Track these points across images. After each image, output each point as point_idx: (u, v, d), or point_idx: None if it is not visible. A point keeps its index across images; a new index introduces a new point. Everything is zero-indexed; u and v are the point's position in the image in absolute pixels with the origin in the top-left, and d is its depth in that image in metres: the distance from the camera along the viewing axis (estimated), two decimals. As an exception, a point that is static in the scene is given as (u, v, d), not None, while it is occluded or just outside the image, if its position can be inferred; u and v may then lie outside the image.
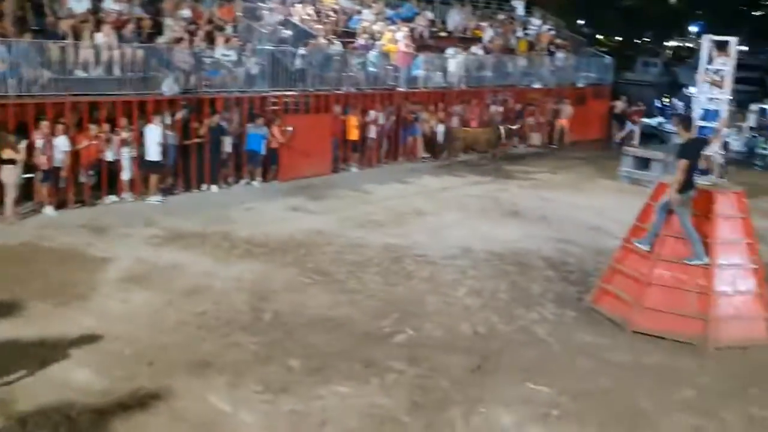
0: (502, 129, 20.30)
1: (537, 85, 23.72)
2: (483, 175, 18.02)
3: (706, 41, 9.30)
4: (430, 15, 23.52)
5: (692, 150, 8.85)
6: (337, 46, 18.16)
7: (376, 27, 20.22)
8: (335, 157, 17.33)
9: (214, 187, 14.84)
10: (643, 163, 18.22)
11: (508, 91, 22.64)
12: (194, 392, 6.75)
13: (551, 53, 25.53)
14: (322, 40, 17.87)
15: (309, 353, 7.64)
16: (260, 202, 14.08)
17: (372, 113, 17.87)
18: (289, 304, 8.96)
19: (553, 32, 27.23)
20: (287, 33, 17.83)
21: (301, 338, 8.01)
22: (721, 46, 9.48)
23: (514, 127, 21.40)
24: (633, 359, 7.88)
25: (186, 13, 15.97)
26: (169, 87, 14.03)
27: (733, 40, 9.17)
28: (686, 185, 8.63)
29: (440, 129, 19.68)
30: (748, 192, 9.52)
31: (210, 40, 15.50)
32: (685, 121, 9.63)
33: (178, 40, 14.55)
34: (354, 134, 17.42)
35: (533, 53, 24.70)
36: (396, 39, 19.47)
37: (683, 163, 8.52)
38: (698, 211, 8.78)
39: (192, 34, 15.29)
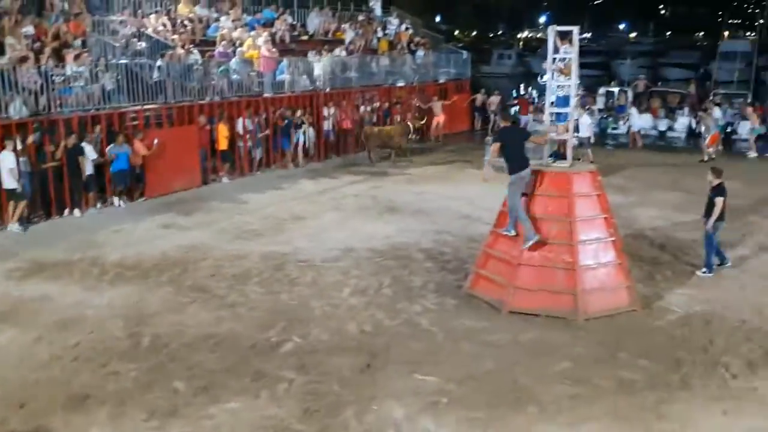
0: (410, 125, 21.09)
1: (401, 83, 24.24)
2: (358, 175, 18.19)
3: (552, 31, 9.79)
4: (289, 19, 23.44)
5: (507, 135, 9.78)
6: (196, 56, 17.70)
7: (235, 34, 19.90)
8: (204, 169, 16.91)
9: (77, 212, 14.06)
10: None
11: (374, 90, 22.98)
12: (75, 428, 6.40)
13: (412, 51, 26.17)
14: (179, 51, 17.36)
15: (194, 373, 7.43)
16: (129, 223, 13.50)
17: (242, 121, 17.53)
18: (168, 326, 8.66)
19: (411, 31, 27.91)
20: (142, 45, 17.20)
21: (184, 359, 7.78)
22: (565, 36, 10.05)
23: (422, 122, 22.73)
24: (511, 338, 8.25)
25: (29, 30, 15.00)
26: (16, 110, 13.14)
27: (575, 29, 9.72)
28: (515, 167, 9.31)
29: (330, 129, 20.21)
30: (601, 170, 10.24)
31: (59, 57, 14.65)
32: (504, 111, 10.65)
33: (23, 60, 13.65)
34: (224, 144, 17.05)
35: (395, 52, 25.21)
36: (257, 45, 19.25)
37: (495, 145, 9.71)
38: (558, 192, 9.32)
39: (38, 52, 14.41)
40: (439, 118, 24.19)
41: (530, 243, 9.09)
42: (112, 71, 15.23)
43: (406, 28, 27.79)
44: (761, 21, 55.65)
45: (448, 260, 11.19)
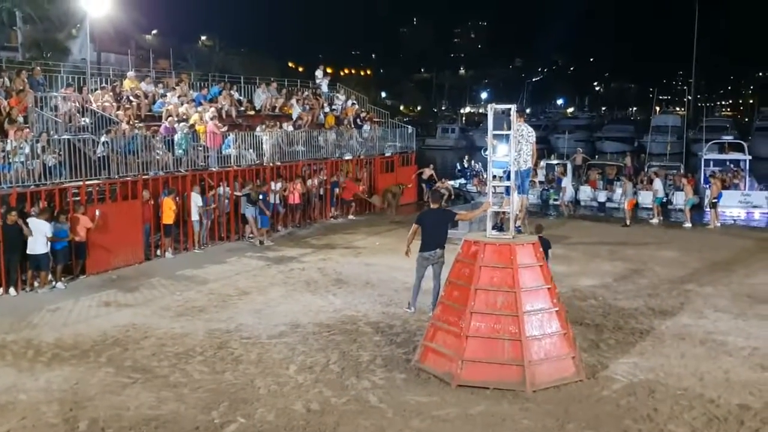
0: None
1: (348, 157, 24.58)
2: (305, 248, 18.13)
3: (491, 109, 10.15)
4: (236, 94, 23.73)
5: (426, 218, 11.12)
6: (141, 131, 17.65)
7: (181, 109, 19.98)
8: (148, 244, 16.62)
9: (12, 291, 13.55)
10: (452, 223, 19.33)
11: (321, 163, 23.23)
12: None
13: (358, 126, 26.70)
14: (124, 126, 17.30)
15: (133, 460, 7.10)
16: (67, 301, 13.05)
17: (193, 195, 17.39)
18: (106, 409, 8.30)
19: (357, 106, 28.55)
20: (86, 121, 17.08)
21: (123, 444, 7.44)
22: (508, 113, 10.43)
23: (408, 185, 25.45)
24: (461, 413, 8.18)
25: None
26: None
27: (513, 106, 10.10)
28: (423, 247, 10.99)
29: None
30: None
31: (2, 132, 14.42)
32: (434, 194, 12.43)
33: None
34: (169, 218, 16.83)
35: (342, 127, 25.67)
36: (204, 119, 19.35)
37: (413, 227, 11.01)
38: (502, 263, 9.45)
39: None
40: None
41: (408, 309, 11.00)
42: (54, 147, 15.03)
43: (352, 104, 28.42)
44: (689, 97, 58.86)
45: (396, 333, 11.13)
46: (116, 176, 16.05)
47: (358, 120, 27.27)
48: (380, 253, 17.40)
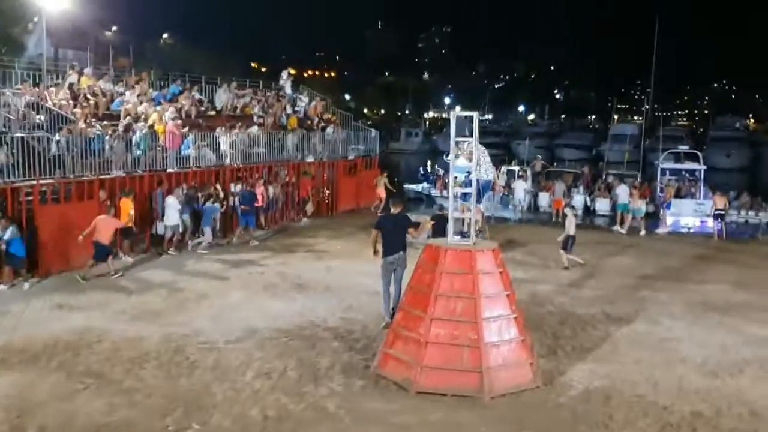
0: None
1: (310, 159, 24.45)
2: (266, 251, 17.94)
3: (453, 116, 10.18)
4: (197, 94, 23.41)
5: (385, 223, 11.25)
6: (98, 130, 17.27)
7: (140, 109, 19.63)
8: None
9: (-39, 292, 13.13)
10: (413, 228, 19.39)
11: (283, 165, 23.06)
12: None
13: (323, 129, 26.58)
14: (81, 125, 16.91)
15: (82, 469, 6.91)
16: (17, 304, 12.68)
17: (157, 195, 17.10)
18: (56, 416, 8.08)
19: (325, 101, 28.49)
20: (41, 118, 16.66)
21: (72, 453, 7.24)
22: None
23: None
24: (419, 420, 8.16)
25: None
26: None
27: (475, 114, 10.16)
28: (385, 253, 11.08)
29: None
30: (503, 245, 10.54)
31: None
32: (396, 198, 12.32)
33: None
34: (127, 219, 16.45)
35: (304, 129, 25.51)
36: (163, 119, 19.04)
37: (373, 232, 10.99)
38: (462, 269, 9.47)
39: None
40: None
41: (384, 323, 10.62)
42: (5, 144, 14.61)
43: (322, 98, 28.34)
44: (647, 107, 60.13)
45: (356, 339, 11.06)
46: (71, 176, 15.68)
47: (321, 121, 27.16)
48: (342, 257, 17.32)
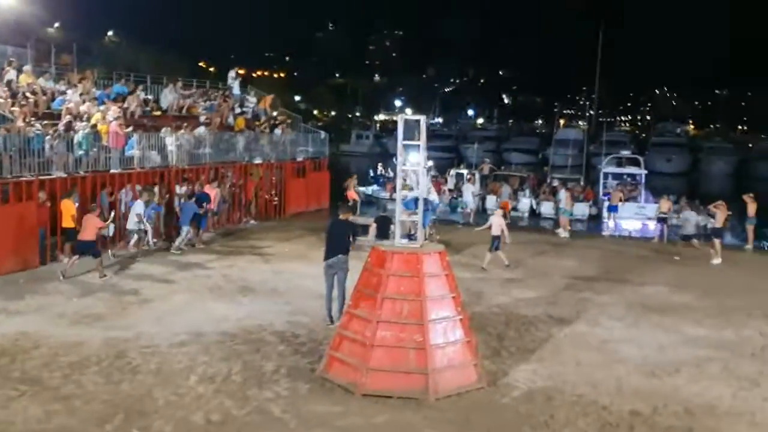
0: None
1: (258, 161, 24.23)
2: (211, 254, 17.70)
3: (401, 119, 10.25)
4: (142, 94, 22.95)
5: (332, 228, 11.57)
6: (38, 129, 16.76)
7: (83, 108, 19.14)
8: (43, 248, 15.79)
9: None
10: (363, 230, 19.43)
11: (230, 167, 22.80)
12: None
13: (272, 127, 26.38)
14: (20, 123, 16.39)
15: (16, 479, 6.71)
16: (-50, 308, 12.23)
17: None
18: (-11, 425, 7.82)
19: (270, 102, 28.26)
20: (-24, 116, 16.12)
21: (6, 462, 7.02)
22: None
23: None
24: (364, 422, 8.18)
25: None
26: None
27: (423, 117, 10.24)
28: (326, 256, 11.50)
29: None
30: (450, 248, 10.65)
31: None
32: (343, 205, 12.55)
33: None
34: (68, 222, 16.01)
35: (252, 130, 25.27)
36: (106, 119, 18.60)
37: (326, 235, 11.44)
38: (409, 272, 9.54)
39: None
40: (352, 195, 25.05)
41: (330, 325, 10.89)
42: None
43: (265, 98, 28.14)
44: (591, 112, 61.52)
45: (302, 342, 11.01)
46: (9, 176, 15.18)
47: (271, 120, 26.98)
48: (289, 260, 17.22)
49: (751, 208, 21.37)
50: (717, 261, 18.70)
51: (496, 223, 16.93)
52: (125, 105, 20.65)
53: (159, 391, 8.92)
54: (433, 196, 19.35)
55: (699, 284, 16.00)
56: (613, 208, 25.49)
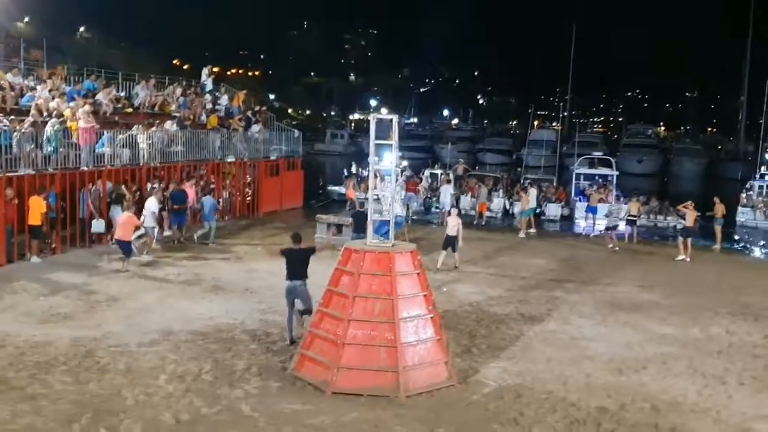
0: None
1: (231, 159, 24.08)
2: (183, 251, 17.56)
3: (374, 119, 10.28)
4: (114, 91, 22.65)
5: (288, 254, 11.23)
6: (5, 125, 16.47)
7: (52, 104, 18.86)
8: (10, 246, 15.54)
9: None
10: (336, 229, 19.46)
11: (203, 164, 22.63)
12: None
13: (248, 120, 26.23)
14: (-13, 119, 16.11)
15: (-20, 479, 6.61)
16: None
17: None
18: (-47, 425, 7.69)
19: (243, 97, 28.11)
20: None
21: (-31, 463, 6.90)
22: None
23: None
24: (334, 420, 8.19)
25: None
26: None
27: (395, 117, 10.29)
28: (287, 275, 11.11)
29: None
30: (424, 247, 10.69)
31: None
32: (295, 236, 11.67)
33: None
34: (36, 219, 15.76)
35: (225, 128, 25.10)
36: (77, 116, 18.34)
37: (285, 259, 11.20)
38: (381, 270, 9.56)
39: None
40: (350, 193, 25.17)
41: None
42: None
43: (238, 95, 27.98)
44: (564, 114, 62.07)
45: (274, 341, 10.99)
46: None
47: (248, 113, 26.82)
48: (261, 259, 17.14)
49: (719, 209, 21.83)
50: (680, 257, 19.20)
51: (452, 224, 16.80)
52: (96, 100, 20.34)
53: (128, 390, 8.84)
54: (400, 211, 19.15)
55: (667, 283, 16.25)
56: (591, 209, 25.54)
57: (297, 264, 11.18)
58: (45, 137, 16.93)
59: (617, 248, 20.57)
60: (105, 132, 18.87)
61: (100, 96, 20.88)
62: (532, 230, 23.40)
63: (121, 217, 15.64)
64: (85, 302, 12.77)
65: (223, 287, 14.22)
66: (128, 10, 68.54)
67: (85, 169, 17.84)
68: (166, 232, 18.98)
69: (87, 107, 18.89)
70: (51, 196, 16.36)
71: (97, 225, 17.53)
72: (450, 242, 16.55)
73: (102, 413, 8.14)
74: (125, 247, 15.32)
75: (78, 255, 16.71)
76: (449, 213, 18.66)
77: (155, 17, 75.51)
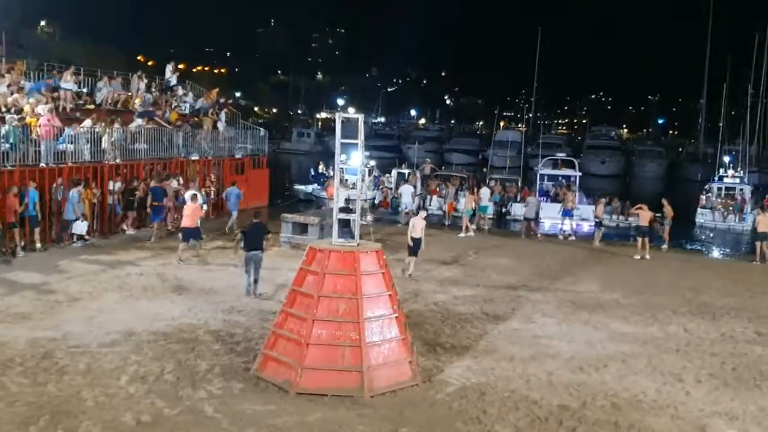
0: None
1: (195, 157, 23.80)
2: (145, 251, 17.31)
3: (339, 117, 10.27)
4: (75, 87, 22.21)
5: (250, 229, 13.74)
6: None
7: (10, 99, 18.43)
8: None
9: None
10: (302, 228, 19.35)
11: (167, 162, 22.32)
12: None
13: (214, 125, 25.95)
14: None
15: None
16: None
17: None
18: None
19: (215, 95, 27.83)
20: None
21: None
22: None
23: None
24: (298, 421, 8.16)
25: None
26: None
27: (361, 116, 10.30)
28: (245, 247, 13.55)
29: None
30: (389, 246, 10.70)
31: None
32: (255, 215, 14.09)
33: None
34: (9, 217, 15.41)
35: (191, 125, 24.79)
36: (37, 112, 17.94)
37: (239, 235, 14.38)
38: (346, 270, 9.55)
39: None
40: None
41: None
42: None
43: (209, 93, 27.71)
44: (530, 115, 62.68)
45: (237, 341, 10.89)
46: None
47: (217, 107, 26.62)
48: (225, 258, 16.95)
49: (668, 211, 22.41)
50: (638, 256, 19.83)
51: (419, 226, 16.06)
52: (56, 96, 19.93)
53: (87, 391, 8.69)
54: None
55: (627, 283, 16.53)
56: (566, 213, 25.53)
57: (256, 236, 13.51)
58: (2, 133, 16.55)
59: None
60: (66, 128, 18.50)
61: (61, 92, 20.42)
62: (471, 233, 22.90)
63: (188, 207, 16.51)
64: (44, 302, 12.51)
65: (186, 287, 14.06)
66: (91, 5, 67.22)
67: (45, 166, 17.48)
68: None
69: (48, 103, 18.54)
70: (31, 193, 16.13)
71: (80, 226, 17.34)
72: (418, 246, 15.92)
73: (60, 415, 7.99)
74: (194, 234, 16.33)
75: (39, 254, 16.31)
76: (416, 214, 18.18)
77: (119, 12, 74.22)
